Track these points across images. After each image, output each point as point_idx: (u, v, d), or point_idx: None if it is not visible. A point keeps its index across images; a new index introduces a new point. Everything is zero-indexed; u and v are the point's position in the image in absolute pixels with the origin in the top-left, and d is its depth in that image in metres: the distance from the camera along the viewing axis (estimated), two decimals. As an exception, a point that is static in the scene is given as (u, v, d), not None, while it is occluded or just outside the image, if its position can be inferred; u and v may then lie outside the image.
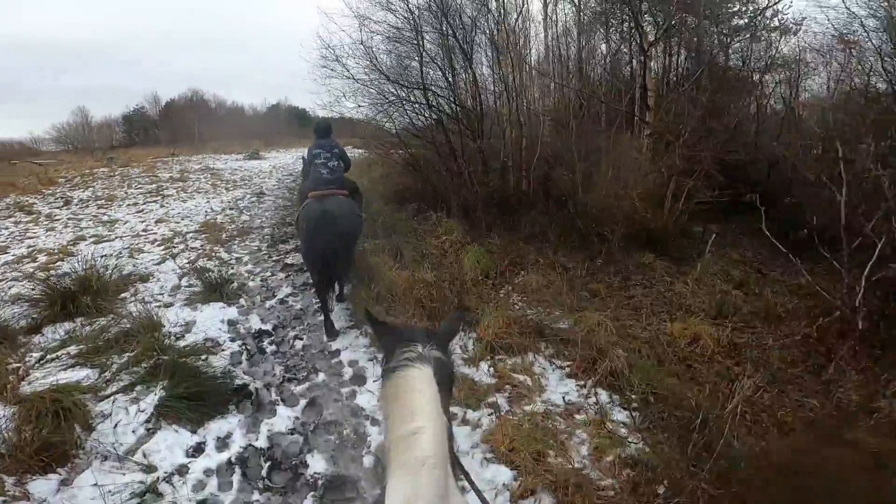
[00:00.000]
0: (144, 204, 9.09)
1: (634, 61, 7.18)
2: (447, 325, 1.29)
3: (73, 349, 3.34)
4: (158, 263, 5.59)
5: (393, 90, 7.71)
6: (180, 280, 4.99)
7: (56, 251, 6.14)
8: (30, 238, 6.91)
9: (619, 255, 5.90)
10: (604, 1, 7.49)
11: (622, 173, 6.24)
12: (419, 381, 0.93)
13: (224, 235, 6.58)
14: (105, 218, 8.00)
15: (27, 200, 9.67)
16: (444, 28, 7.07)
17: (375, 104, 8.52)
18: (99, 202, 9.29)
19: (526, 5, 7.19)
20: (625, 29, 7.39)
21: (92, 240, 6.67)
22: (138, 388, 2.83)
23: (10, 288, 4.71)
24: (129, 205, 9.04)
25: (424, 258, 5.69)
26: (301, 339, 3.96)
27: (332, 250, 3.62)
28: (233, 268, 5.41)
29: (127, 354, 3.19)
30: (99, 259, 5.74)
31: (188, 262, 5.55)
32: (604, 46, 8.06)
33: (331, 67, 6.78)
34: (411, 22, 7.13)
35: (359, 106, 8.33)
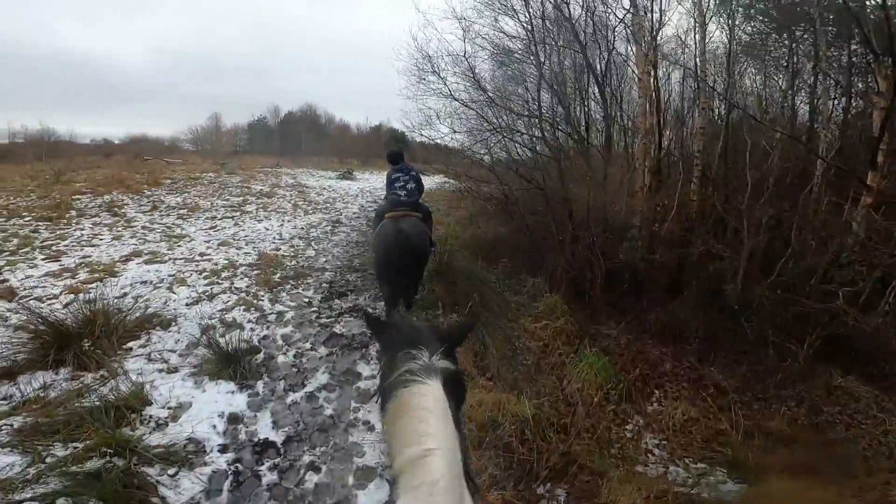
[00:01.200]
0: (221, 219, 8.56)
1: (844, 98, 5.12)
2: (456, 330, 1.14)
3: (19, 419, 2.65)
4: (191, 304, 4.60)
5: (496, 115, 6.38)
6: (201, 336, 3.88)
7: (101, 267, 5.49)
8: (92, 245, 6.46)
9: (804, 370, 3.97)
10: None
11: (821, 254, 4.23)
12: (428, 399, 0.84)
13: (278, 276, 5.52)
14: (176, 231, 7.47)
15: (122, 200, 9.67)
16: (572, 43, 5.61)
17: (473, 130, 7.24)
18: (182, 211, 8.96)
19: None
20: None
21: (145, 258, 5.98)
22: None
23: (20, 312, 3.92)
24: (206, 218, 8.56)
25: (516, 355, 4.09)
26: (318, 470, 2.67)
27: (403, 267, 3.74)
28: (267, 328, 4.23)
29: (73, 446, 2.45)
30: (135, 285, 4.97)
31: (221, 310, 4.49)
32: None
33: (425, 79, 5.53)
34: (530, 33, 5.78)
35: (454, 132, 7.13)
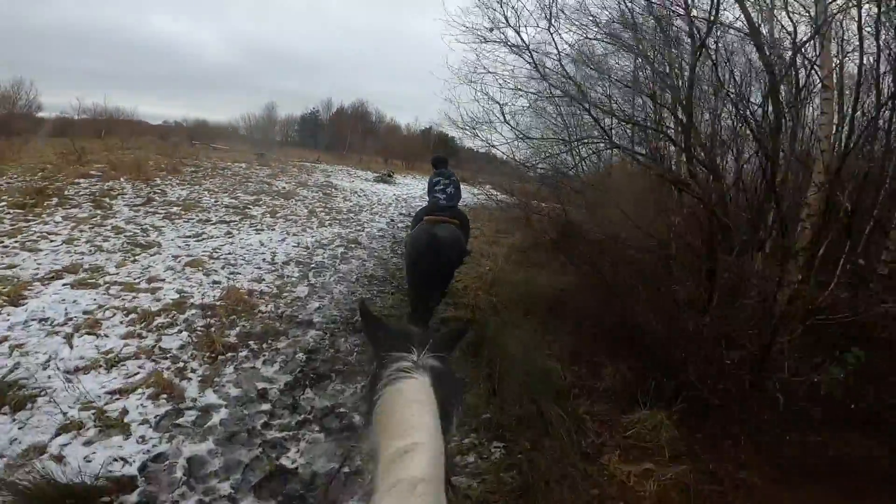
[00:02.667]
0: (214, 224, 6.95)
1: None
2: (447, 334, 1.13)
3: None
4: (74, 372, 2.89)
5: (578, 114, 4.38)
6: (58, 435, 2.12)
7: (9, 288, 3.90)
8: (31, 250, 4.94)
9: None
10: None
11: None
12: (415, 393, 0.81)
13: (235, 332, 3.73)
14: (148, 238, 5.88)
15: (122, 189, 8.30)
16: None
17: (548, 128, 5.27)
18: (175, 209, 7.44)
19: None
20: None
21: (78, 277, 4.37)
22: None
23: None
24: (197, 221, 6.98)
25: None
26: None
27: (434, 272, 3.67)
28: (170, 439, 2.47)
29: None
30: (29, 324, 3.34)
31: (113, 392, 2.74)
32: None
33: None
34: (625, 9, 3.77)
35: (520, 136, 5.14)
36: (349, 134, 30.18)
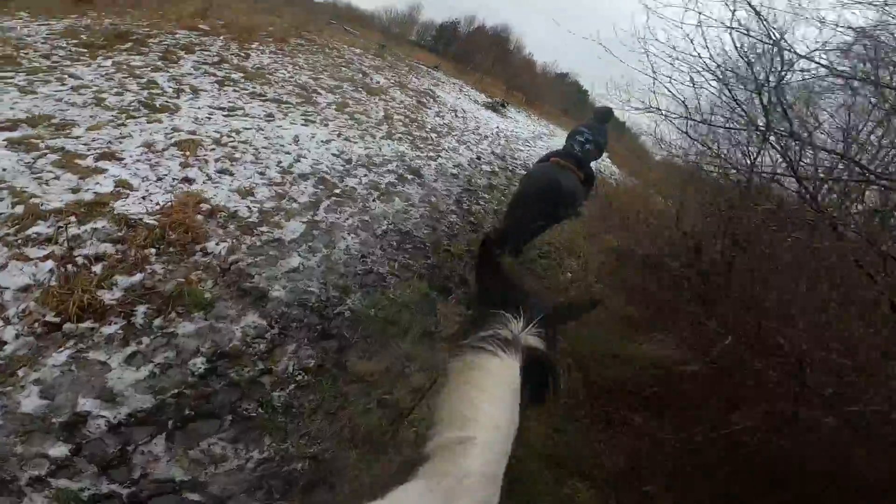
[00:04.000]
0: (261, 102, 5.61)
1: None
2: (572, 307, 1.00)
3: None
4: None
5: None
6: None
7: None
8: (20, 92, 3.96)
9: None
10: None
11: None
12: (492, 378, 0.71)
13: (130, 281, 2.40)
14: (170, 100, 4.71)
15: (204, 46, 7.23)
16: None
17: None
18: (238, 74, 6.23)
19: None
20: None
21: (18, 134, 3.29)
22: None
23: None
24: (246, 93, 5.69)
25: None
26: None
27: (536, 215, 3.55)
28: None
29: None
30: None
31: None
32: None
33: None
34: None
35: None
36: (480, 53, 27.48)
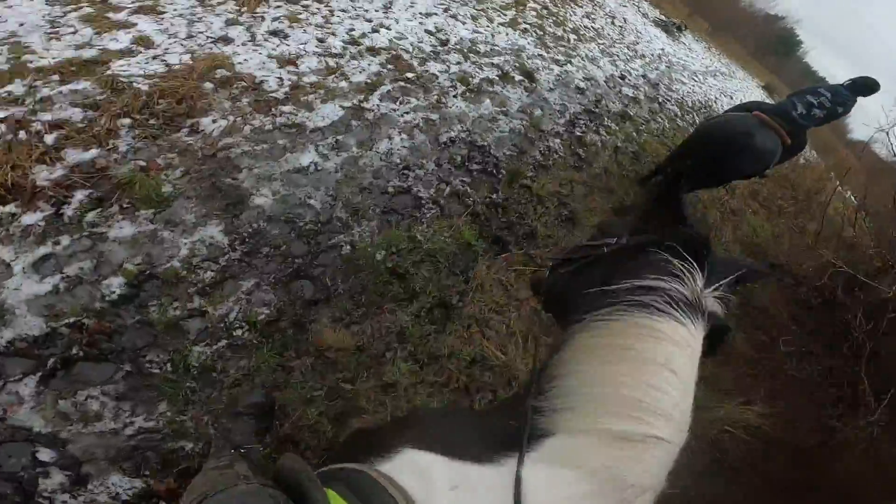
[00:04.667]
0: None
1: None
2: (753, 268, 0.72)
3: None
4: None
5: None
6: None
7: None
8: None
9: None
10: None
11: None
12: (678, 351, 0.51)
13: (84, 157, 1.80)
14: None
15: None
16: None
17: None
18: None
19: None
20: None
21: None
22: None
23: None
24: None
25: None
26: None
27: (717, 171, 2.99)
28: None
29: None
30: None
31: None
32: None
33: None
34: None
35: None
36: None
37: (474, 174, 2.82)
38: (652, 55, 7.34)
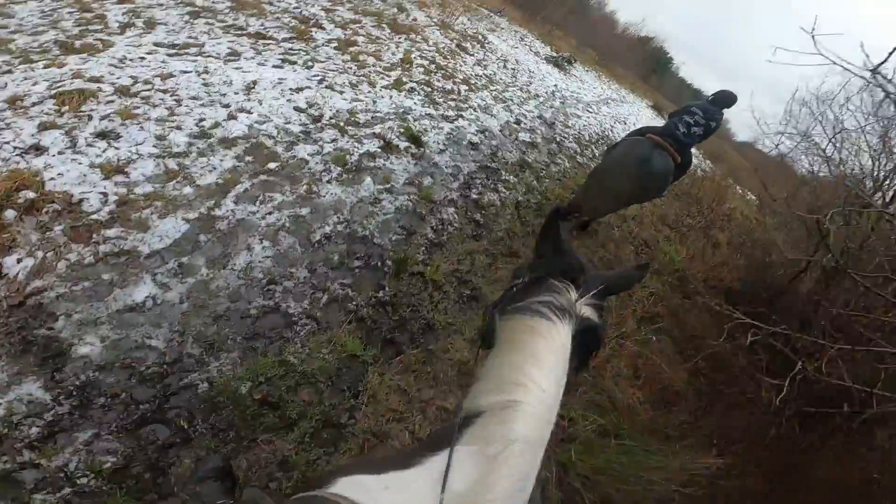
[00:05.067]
0: (233, 37, 4.31)
1: None
2: (622, 276, 0.99)
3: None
4: None
5: None
6: None
7: None
8: None
9: None
10: None
11: None
12: (544, 342, 0.70)
13: None
14: (109, 36, 3.53)
15: None
16: None
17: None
18: (224, 4, 4.94)
19: None
20: None
21: None
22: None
23: None
24: (220, 27, 4.42)
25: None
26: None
27: (620, 195, 3.29)
28: None
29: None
30: None
31: None
32: None
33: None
34: None
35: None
36: (554, 2, 24.35)
37: (356, 272, 2.48)
38: (546, 93, 7.55)
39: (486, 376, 0.71)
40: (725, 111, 3.59)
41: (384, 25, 6.30)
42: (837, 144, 4.22)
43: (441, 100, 4.80)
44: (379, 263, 2.58)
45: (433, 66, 5.62)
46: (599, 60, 16.65)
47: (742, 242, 5.97)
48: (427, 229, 3.01)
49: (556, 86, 8.36)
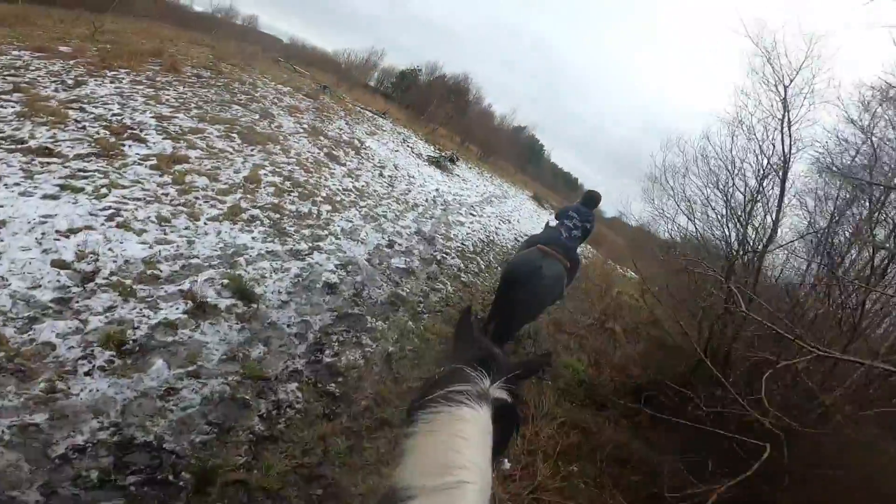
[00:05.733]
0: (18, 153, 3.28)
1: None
2: (529, 363, 1.10)
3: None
4: None
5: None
6: None
7: None
8: None
9: None
10: None
11: None
12: (470, 426, 0.75)
13: None
14: None
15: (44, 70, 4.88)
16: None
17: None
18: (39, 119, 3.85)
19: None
20: None
21: None
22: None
23: None
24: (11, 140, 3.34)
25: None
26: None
27: (524, 305, 3.47)
28: None
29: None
30: None
31: None
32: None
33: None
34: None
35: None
36: (436, 102, 26.24)
37: (131, 491, 1.43)
38: (427, 200, 7.23)
39: (417, 457, 0.72)
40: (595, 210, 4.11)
41: (234, 135, 5.55)
42: (687, 213, 4.64)
43: (292, 228, 4.01)
44: (171, 476, 1.56)
45: (288, 183, 4.90)
46: (481, 156, 17.62)
47: (636, 328, 5.97)
48: (253, 420, 2.06)
49: (437, 190, 8.15)
